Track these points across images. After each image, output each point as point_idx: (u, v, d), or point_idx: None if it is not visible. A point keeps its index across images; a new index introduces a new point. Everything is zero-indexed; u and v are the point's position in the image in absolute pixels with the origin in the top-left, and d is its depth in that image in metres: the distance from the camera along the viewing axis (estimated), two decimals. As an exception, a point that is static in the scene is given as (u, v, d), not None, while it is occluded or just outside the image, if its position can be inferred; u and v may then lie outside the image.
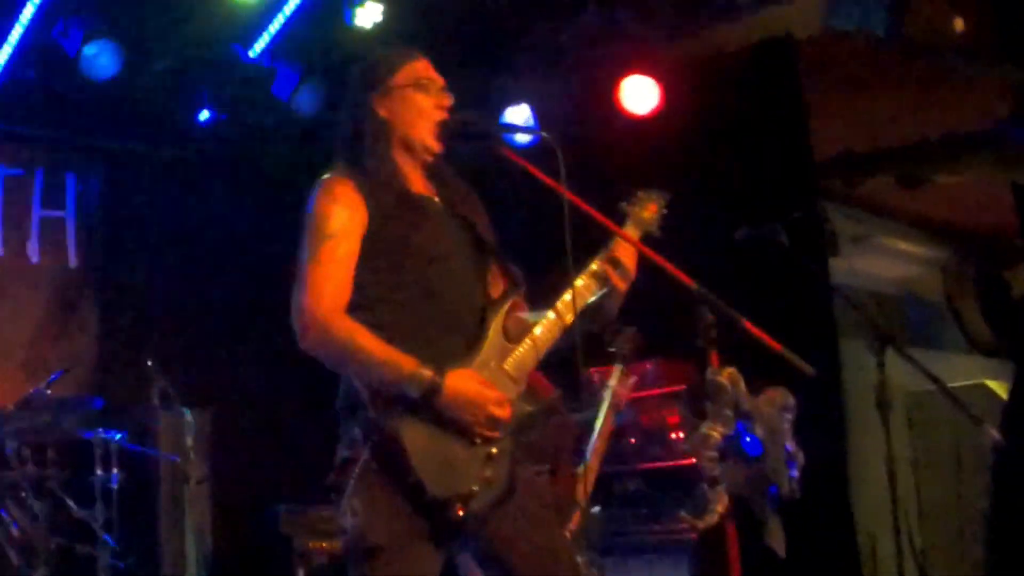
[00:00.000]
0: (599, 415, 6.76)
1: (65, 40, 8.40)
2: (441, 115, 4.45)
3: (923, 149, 10.34)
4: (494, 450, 4.15)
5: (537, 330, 4.35)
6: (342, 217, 4.21)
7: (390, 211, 4.26)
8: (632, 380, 7.01)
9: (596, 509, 6.85)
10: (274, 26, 8.75)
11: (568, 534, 5.83)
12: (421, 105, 4.45)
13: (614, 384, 6.89)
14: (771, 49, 8.98)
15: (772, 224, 5.94)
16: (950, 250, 12.96)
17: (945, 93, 9.31)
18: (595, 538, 6.24)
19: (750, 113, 8.93)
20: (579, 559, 5.65)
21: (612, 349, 6.89)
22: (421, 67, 4.53)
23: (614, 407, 6.76)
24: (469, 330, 4.29)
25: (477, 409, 4.07)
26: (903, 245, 12.42)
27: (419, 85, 4.47)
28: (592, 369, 7.54)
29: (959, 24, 7.88)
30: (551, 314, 4.38)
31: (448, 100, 4.50)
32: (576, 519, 5.88)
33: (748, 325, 4.56)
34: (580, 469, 6.38)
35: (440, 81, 4.53)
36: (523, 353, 4.31)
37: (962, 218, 12.41)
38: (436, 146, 4.44)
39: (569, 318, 4.38)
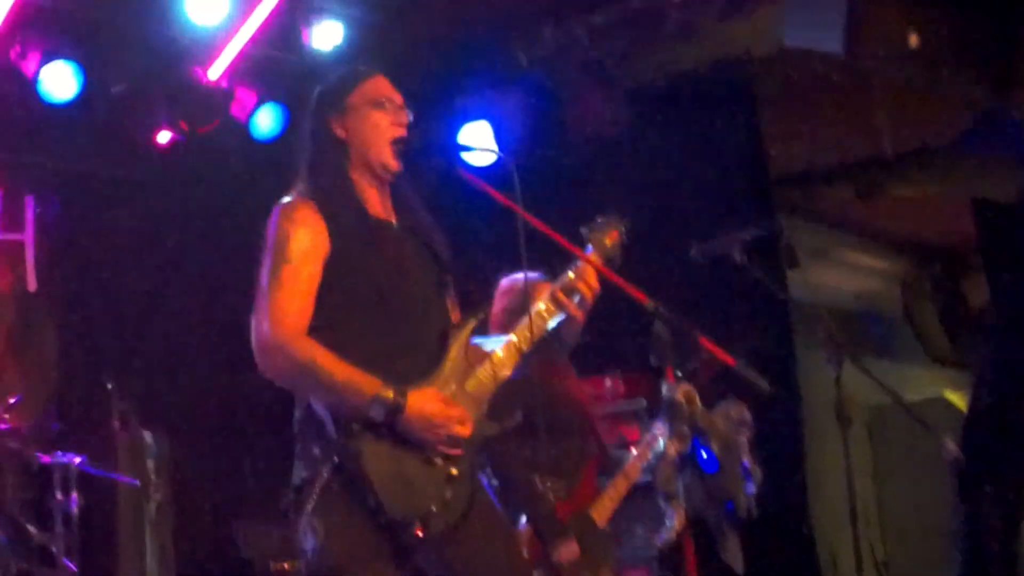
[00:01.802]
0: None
1: (23, 62, 8.37)
2: (399, 132, 4.45)
3: (880, 162, 10.39)
4: (454, 471, 4.16)
5: (499, 353, 4.37)
6: (303, 240, 4.21)
7: (350, 233, 4.27)
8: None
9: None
10: (233, 48, 8.73)
11: (572, 557, 5.81)
12: (378, 123, 4.45)
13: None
14: (728, 67, 9.02)
15: (729, 239, 5.96)
16: (908, 263, 13.02)
17: (902, 107, 9.36)
18: (605, 557, 6.18)
19: (708, 130, 8.97)
20: None
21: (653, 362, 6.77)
22: (378, 85, 4.54)
23: (664, 431, 6.58)
24: (430, 351, 4.30)
25: (439, 429, 4.09)
26: (861, 258, 12.47)
27: (376, 103, 4.48)
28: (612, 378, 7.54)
29: (914, 40, 7.92)
30: (513, 338, 4.40)
31: (406, 118, 4.50)
32: (574, 541, 5.85)
33: (703, 340, 4.58)
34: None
35: (398, 99, 4.53)
36: (484, 375, 4.33)
37: (920, 230, 12.47)
38: (394, 165, 4.44)
39: (531, 342, 4.40)
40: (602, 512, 6.10)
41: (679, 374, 5.31)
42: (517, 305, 5.42)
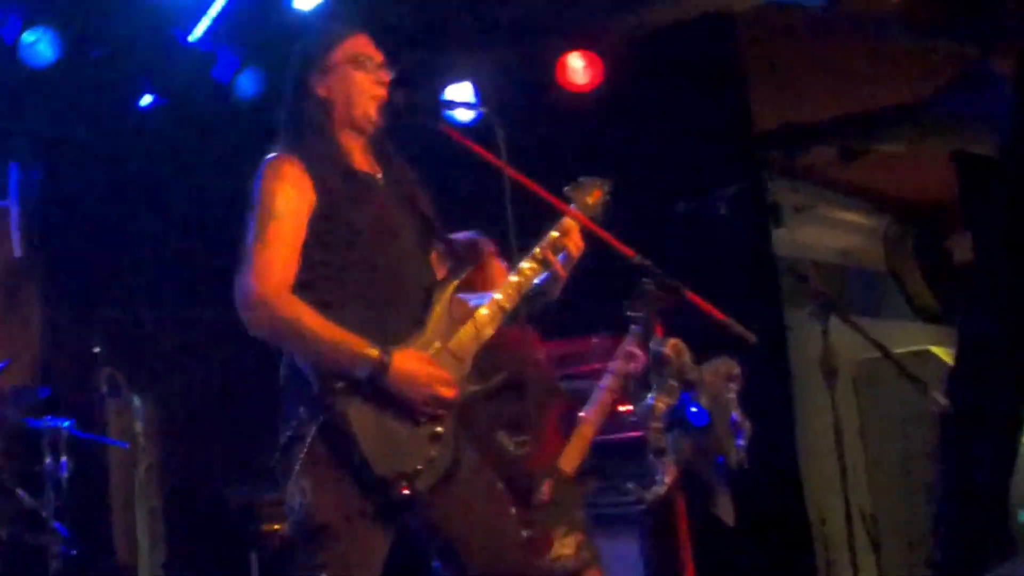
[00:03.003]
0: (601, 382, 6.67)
1: (3, 28, 8.33)
2: (380, 91, 4.46)
3: (862, 120, 10.40)
4: (439, 429, 4.17)
5: (482, 311, 4.37)
6: (289, 196, 4.21)
7: (336, 189, 4.27)
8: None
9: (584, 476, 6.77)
10: (213, 10, 8.70)
11: (540, 505, 5.82)
12: (360, 82, 4.45)
13: (623, 349, 6.76)
14: (710, 23, 9.00)
15: (713, 196, 5.98)
16: (891, 219, 13.05)
17: (883, 64, 9.37)
18: (574, 506, 6.19)
19: (690, 87, 8.95)
20: (559, 532, 5.71)
21: (628, 313, 6.80)
22: (359, 43, 4.53)
23: (621, 373, 6.60)
24: (415, 309, 4.30)
25: (424, 389, 4.09)
26: (845, 215, 12.49)
27: (357, 62, 4.47)
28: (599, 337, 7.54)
29: (894, -5, 7.94)
30: (497, 295, 4.40)
31: (387, 75, 4.50)
32: (547, 489, 5.86)
33: (691, 295, 4.60)
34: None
35: (379, 57, 4.52)
36: (467, 334, 4.33)
37: (903, 187, 12.50)
38: (376, 117, 4.44)
39: (514, 300, 4.41)
40: (570, 461, 6.11)
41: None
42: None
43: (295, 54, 4.59)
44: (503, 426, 5.83)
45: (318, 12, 8.56)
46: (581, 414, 6.13)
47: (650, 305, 5.19)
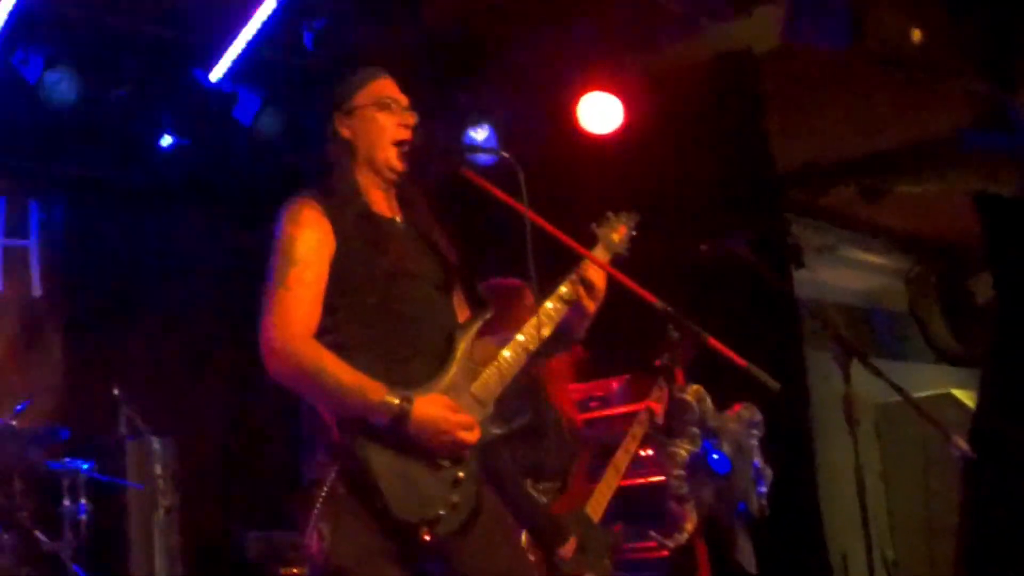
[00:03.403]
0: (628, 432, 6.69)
1: (25, 68, 8.36)
2: (404, 134, 4.45)
3: (884, 159, 10.39)
4: (461, 474, 4.14)
5: (506, 353, 4.35)
6: (310, 241, 4.20)
7: (355, 233, 4.26)
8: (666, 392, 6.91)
9: (618, 526, 6.77)
10: (234, 50, 8.72)
11: (568, 556, 5.81)
12: (383, 124, 4.45)
13: (650, 398, 6.79)
14: (731, 63, 9.00)
15: (736, 238, 5.95)
16: (914, 260, 13.02)
17: (905, 103, 9.36)
18: (602, 553, 6.18)
19: (711, 127, 8.95)
20: None
21: (657, 363, 6.80)
22: (383, 86, 4.54)
23: (643, 422, 6.63)
24: (437, 352, 4.28)
25: (444, 435, 4.06)
26: (867, 256, 12.47)
27: (381, 104, 4.47)
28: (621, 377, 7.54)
29: (917, 35, 7.91)
30: (520, 337, 4.38)
31: (412, 119, 4.50)
32: (572, 545, 5.85)
33: (713, 341, 4.57)
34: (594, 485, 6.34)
35: (403, 100, 4.53)
36: (490, 376, 4.31)
37: (925, 228, 12.47)
38: (399, 165, 4.44)
39: (537, 342, 4.39)
40: (596, 507, 6.10)
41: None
42: (501, 308, 5.47)
43: (319, 94, 4.59)
44: (526, 472, 5.83)
45: (339, 55, 8.58)
46: (610, 461, 6.13)
47: (672, 352, 5.16)
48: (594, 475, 6.32)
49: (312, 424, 4.17)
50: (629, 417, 7.70)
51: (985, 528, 8.15)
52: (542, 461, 5.94)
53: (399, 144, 4.44)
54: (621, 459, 6.28)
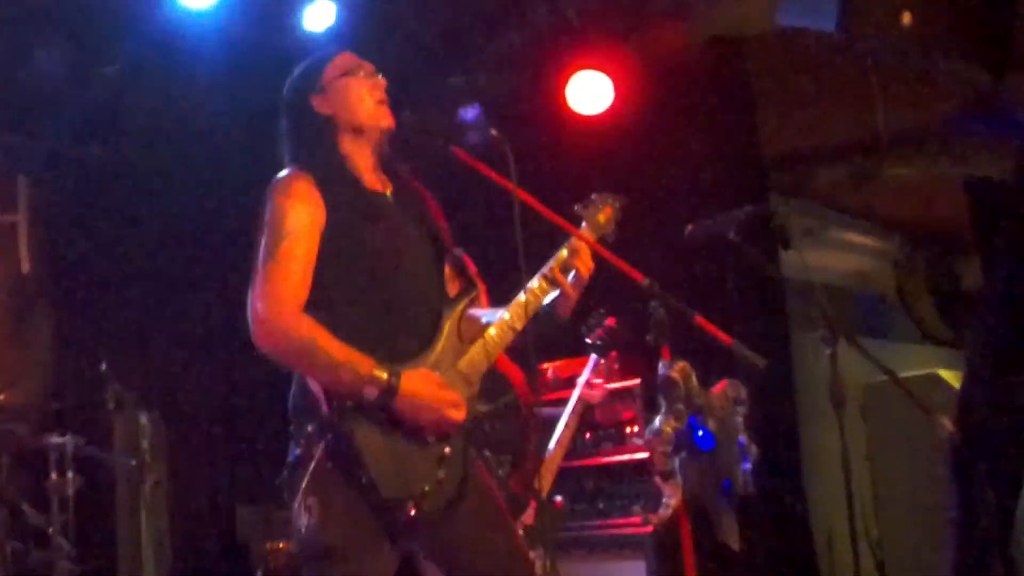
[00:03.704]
0: (567, 407, 6.76)
1: (16, 41, 8.35)
2: (379, 94, 4.50)
3: (873, 143, 10.39)
4: (447, 450, 4.16)
5: (492, 331, 4.37)
6: (300, 214, 4.21)
7: (346, 207, 4.28)
8: (606, 371, 6.99)
9: (558, 499, 6.84)
10: (225, 30, 8.69)
11: (523, 528, 5.85)
12: (355, 87, 4.50)
13: (586, 376, 6.88)
14: (721, 45, 9.01)
15: (722, 219, 5.97)
16: (901, 242, 13.03)
17: (894, 87, 9.36)
18: (554, 531, 6.25)
19: (700, 109, 8.96)
20: (534, 554, 5.70)
21: (588, 340, 6.89)
22: (346, 57, 4.60)
23: (584, 399, 6.73)
24: (424, 328, 4.30)
25: (432, 412, 4.09)
26: (854, 238, 12.48)
27: (349, 71, 4.51)
28: (552, 363, 7.57)
29: (907, 18, 7.91)
30: (506, 315, 4.40)
31: (382, 81, 4.53)
32: (531, 513, 5.90)
33: (699, 319, 4.59)
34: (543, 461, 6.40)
35: (369, 66, 4.56)
36: (477, 353, 4.33)
37: (913, 211, 12.47)
38: (388, 122, 4.47)
39: (524, 319, 4.41)
40: (543, 483, 6.15)
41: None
42: None
43: (290, 82, 4.62)
44: (488, 446, 5.86)
45: (330, 33, 8.59)
46: (553, 439, 6.17)
47: (658, 329, 5.19)
48: (543, 452, 6.39)
49: (302, 399, 4.19)
50: (619, 393, 7.80)
51: (968, 508, 8.17)
52: (500, 436, 5.97)
53: (380, 103, 4.47)
54: (564, 436, 6.34)
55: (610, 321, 6.79)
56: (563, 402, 6.91)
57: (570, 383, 7.29)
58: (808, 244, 11.16)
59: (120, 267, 9.85)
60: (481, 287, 4.59)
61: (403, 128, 4.49)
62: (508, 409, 5.74)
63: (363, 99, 4.47)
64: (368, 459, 3.99)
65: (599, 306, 6.52)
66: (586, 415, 6.78)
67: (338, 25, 8.61)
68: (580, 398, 6.50)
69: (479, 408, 4.29)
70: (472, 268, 4.60)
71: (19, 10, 8.27)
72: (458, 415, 4.14)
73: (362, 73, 4.53)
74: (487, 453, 5.79)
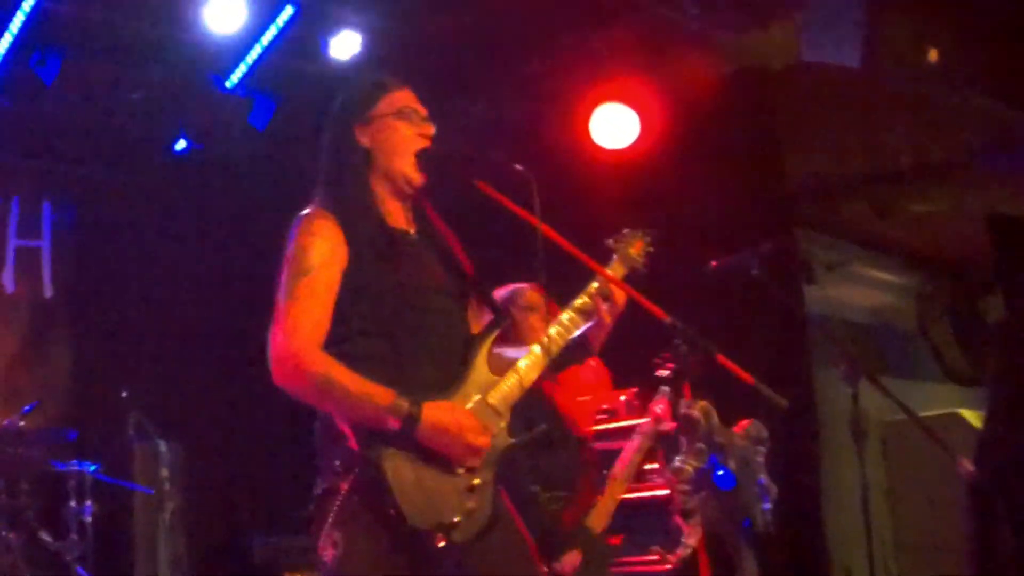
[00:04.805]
0: (632, 441, 6.71)
1: (42, 69, 8.38)
2: (423, 144, 4.44)
3: (896, 177, 10.38)
4: (476, 481, 4.14)
5: (522, 363, 4.35)
6: (322, 251, 4.19)
7: (369, 245, 4.25)
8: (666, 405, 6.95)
9: (619, 538, 6.78)
10: (251, 56, 8.74)
11: (568, 566, 5.82)
12: (404, 134, 4.43)
13: (655, 409, 6.81)
14: (745, 79, 9.02)
15: (746, 254, 5.96)
16: (924, 278, 13.01)
17: (918, 122, 9.36)
18: (602, 567, 6.19)
19: (724, 143, 8.96)
20: None
21: (658, 374, 6.83)
22: (404, 96, 4.52)
23: (647, 433, 6.65)
24: (452, 363, 4.27)
25: (455, 439, 4.05)
26: (878, 273, 12.45)
27: (401, 114, 4.46)
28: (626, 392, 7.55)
29: (933, 55, 7.92)
30: (536, 347, 4.38)
31: (431, 129, 4.49)
32: (577, 551, 5.86)
33: (721, 358, 4.57)
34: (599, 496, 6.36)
35: (423, 111, 4.51)
36: (507, 386, 4.30)
37: (936, 246, 12.46)
38: (417, 178, 4.43)
39: (553, 352, 4.39)
40: (599, 520, 6.11)
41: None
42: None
43: (338, 102, 4.58)
44: (538, 480, 5.84)
45: (355, 61, 8.62)
46: (611, 473, 6.13)
47: (680, 367, 5.17)
48: (599, 487, 6.33)
49: (328, 433, 4.17)
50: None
51: (987, 548, 8.14)
52: (551, 470, 5.95)
53: (418, 155, 4.44)
54: (624, 471, 6.29)
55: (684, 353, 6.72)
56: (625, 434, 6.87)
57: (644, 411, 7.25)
58: (831, 279, 11.15)
59: (142, 295, 9.87)
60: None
61: (427, 160, 4.47)
62: (563, 443, 5.75)
63: (405, 151, 4.42)
64: (396, 490, 3.96)
65: (623, 343, 6.48)
66: (655, 448, 6.71)
67: (363, 53, 8.64)
68: (644, 432, 6.45)
69: (511, 440, 4.27)
70: (496, 303, 4.58)
71: (47, 36, 8.30)
72: (482, 440, 4.11)
73: (415, 118, 4.50)
74: (537, 488, 5.81)
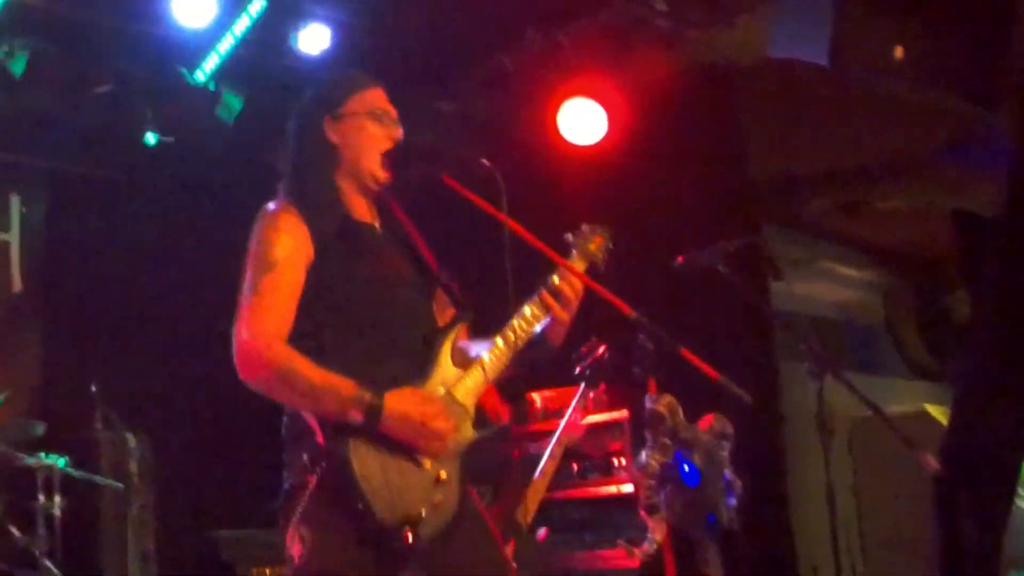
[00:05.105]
0: (553, 438, 6.76)
1: (12, 63, 8.35)
2: (390, 146, 4.46)
3: (863, 174, 10.42)
4: (443, 474, 4.16)
5: (485, 358, 4.37)
6: (286, 246, 4.21)
7: (333, 238, 4.27)
8: (594, 401, 7.00)
9: (542, 531, 6.83)
10: (220, 50, 8.72)
11: None
12: (373, 134, 4.46)
13: (573, 407, 6.88)
14: (711, 74, 9.04)
15: (712, 250, 5.98)
16: (891, 274, 13.05)
17: (884, 119, 9.39)
18: (533, 562, 6.23)
19: (690, 138, 8.98)
20: None
21: (578, 370, 6.89)
22: (376, 96, 4.54)
23: (569, 429, 6.73)
24: (417, 356, 4.30)
25: (419, 425, 4.07)
26: (844, 269, 12.49)
27: (373, 114, 4.48)
28: (541, 393, 7.57)
29: (899, 52, 7.95)
30: (499, 341, 4.40)
31: (399, 132, 4.51)
32: (512, 543, 5.89)
33: (686, 352, 4.59)
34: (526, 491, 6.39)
35: (394, 113, 4.54)
36: (471, 380, 4.32)
37: (903, 242, 12.50)
38: (383, 175, 4.45)
39: (517, 346, 4.41)
40: (526, 514, 6.14)
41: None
42: None
43: (308, 96, 4.60)
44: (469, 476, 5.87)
45: (324, 56, 8.61)
46: (538, 468, 6.16)
47: (645, 362, 5.20)
48: (525, 480, 6.38)
49: (295, 428, 4.18)
50: (607, 425, 7.80)
51: (953, 544, 8.17)
52: (480, 463, 5.97)
53: (385, 155, 4.46)
54: (549, 466, 6.33)
55: (601, 350, 6.78)
56: (550, 433, 6.91)
57: (559, 413, 7.28)
58: (797, 275, 11.17)
59: (111, 288, 9.85)
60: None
61: (393, 154, 4.48)
62: (490, 440, 5.77)
63: (373, 149, 4.45)
64: (364, 485, 3.98)
65: (589, 337, 6.52)
66: (572, 446, 6.77)
67: (332, 48, 8.64)
68: (565, 429, 6.50)
69: (473, 433, 4.29)
70: (463, 297, 4.60)
71: (15, 28, 8.28)
72: (445, 425, 4.13)
73: (386, 119, 4.52)
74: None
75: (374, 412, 4.01)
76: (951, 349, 12.43)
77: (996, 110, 8.58)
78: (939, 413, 9.91)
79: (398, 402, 4.06)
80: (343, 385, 4.03)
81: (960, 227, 10.19)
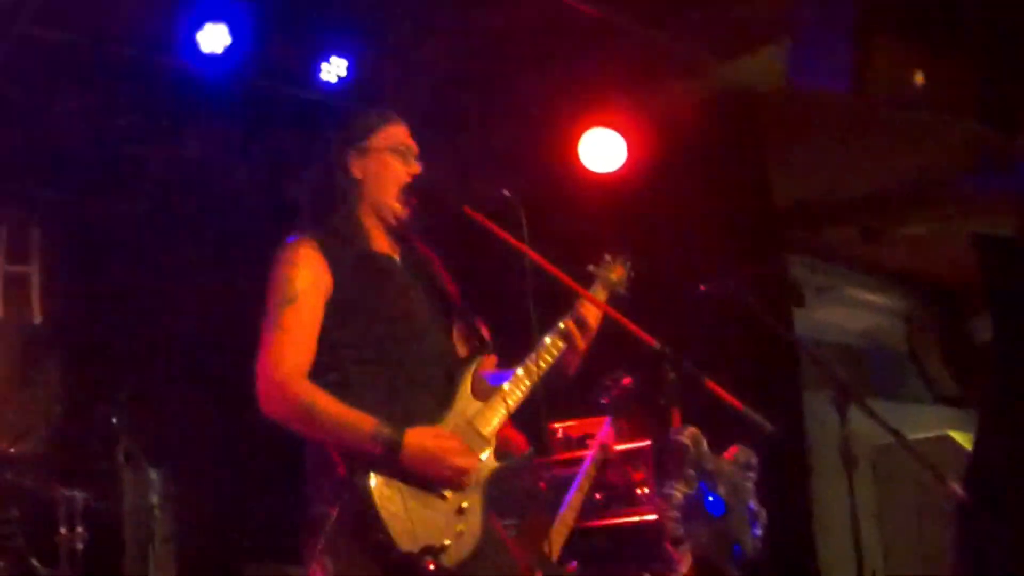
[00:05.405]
0: (581, 468, 6.76)
1: (33, 92, 8.37)
2: (407, 180, 4.49)
3: (884, 200, 10.41)
4: (465, 504, 4.17)
5: (506, 388, 4.38)
6: (305, 280, 4.23)
7: (353, 271, 4.30)
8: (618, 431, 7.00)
9: (572, 564, 6.81)
10: (240, 81, 8.72)
11: None
12: (396, 171, 4.51)
13: (601, 437, 6.88)
14: (733, 102, 9.03)
15: (735, 278, 5.97)
16: (913, 300, 13.02)
17: (905, 144, 9.39)
18: None
19: (712, 166, 8.98)
20: None
21: (603, 401, 6.89)
22: (400, 132, 4.60)
23: (597, 461, 6.73)
24: (438, 389, 4.32)
25: (440, 462, 4.09)
26: (867, 295, 12.47)
27: (397, 151, 4.53)
28: (563, 423, 7.57)
29: (919, 78, 7.94)
30: (519, 371, 4.41)
31: (417, 168, 4.54)
32: (539, 575, 5.87)
33: (710, 383, 4.58)
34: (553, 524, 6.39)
35: (415, 149, 4.58)
36: (492, 411, 4.33)
37: (925, 268, 12.48)
38: (403, 212, 4.47)
39: (538, 377, 4.41)
40: (554, 546, 6.13)
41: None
42: None
43: (336, 127, 4.62)
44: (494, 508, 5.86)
45: (343, 85, 8.62)
46: (566, 500, 6.16)
47: (669, 393, 5.18)
48: (552, 513, 6.37)
49: (318, 460, 4.19)
50: (630, 454, 7.78)
51: (976, 573, 8.14)
52: (505, 496, 5.96)
53: (403, 190, 4.48)
54: (576, 498, 6.32)
55: (626, 381, 6.79)
56: (574, 463, 6.90)
57: (582, 443, 7.28)
58: (820, 302, 11.16)
59: (132, 320, 9.84)
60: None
61: (416, 185, 4.50)
62: (513, 470, 5.75)
63: (393, 184, 4.49)
64: (386, 516, 3.99)
65: (611, 367, 6.52)
66: (599, 477, 6.76)
67: (352, 78, 8.64)
68: (594, 459, 6.50)
69: (495, 464, 4.29)
70: (484, 328, 4.61)
71: (35, 61, 8.30)
72: (467, 462, 4.14)
73: (408, 156, 4.57)
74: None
75: (394, 448, 4.01)
76: (975, 375, 12.39)
77: (1017, 135, 8.58)
78: (963, 439, 9.87)
79: (418, 439, 4.08)
80: (363, 421, 4.04)
81: (981, 251, 10.15)
